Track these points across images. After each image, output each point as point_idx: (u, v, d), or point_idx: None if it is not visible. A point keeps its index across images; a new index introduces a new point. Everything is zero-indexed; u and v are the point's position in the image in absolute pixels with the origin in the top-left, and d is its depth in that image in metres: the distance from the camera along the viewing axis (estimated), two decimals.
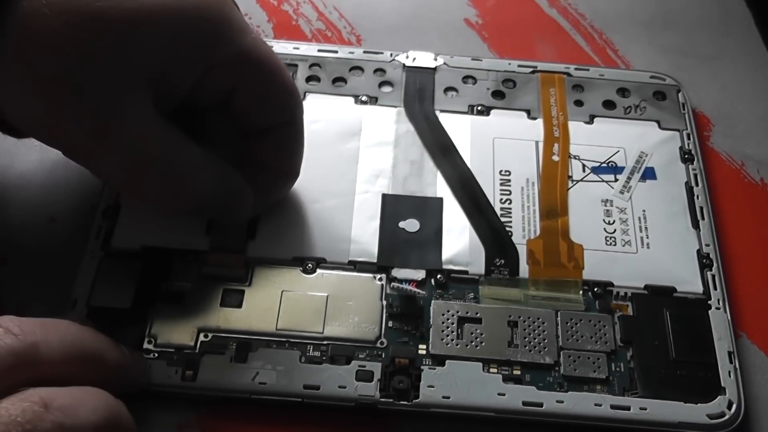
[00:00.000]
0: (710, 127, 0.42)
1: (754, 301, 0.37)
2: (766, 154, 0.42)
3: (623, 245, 0.37)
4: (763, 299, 0.37)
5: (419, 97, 0.41)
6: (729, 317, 0.35)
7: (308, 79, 0.42)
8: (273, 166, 0.35)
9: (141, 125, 0.30)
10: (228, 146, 0.34)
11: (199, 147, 0.32)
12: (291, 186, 0.36)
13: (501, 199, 0.38)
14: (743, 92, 0.44)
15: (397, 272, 0.35)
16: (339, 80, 0.42)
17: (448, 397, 0.32)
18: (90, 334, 0.29)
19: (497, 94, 0.42)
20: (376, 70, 0.42)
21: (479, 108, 0.41)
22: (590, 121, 0.41)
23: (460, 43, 0.45)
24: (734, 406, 0.32)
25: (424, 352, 0.33)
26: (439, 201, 0.38)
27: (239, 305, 0.34)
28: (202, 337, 0.33)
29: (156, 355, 0.33)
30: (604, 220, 0.37)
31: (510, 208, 0.38)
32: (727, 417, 0.32)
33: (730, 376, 0.33)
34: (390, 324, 0.34)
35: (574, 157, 0.39)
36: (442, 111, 0.41)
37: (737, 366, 0.33)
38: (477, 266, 0.36)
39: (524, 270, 0.36)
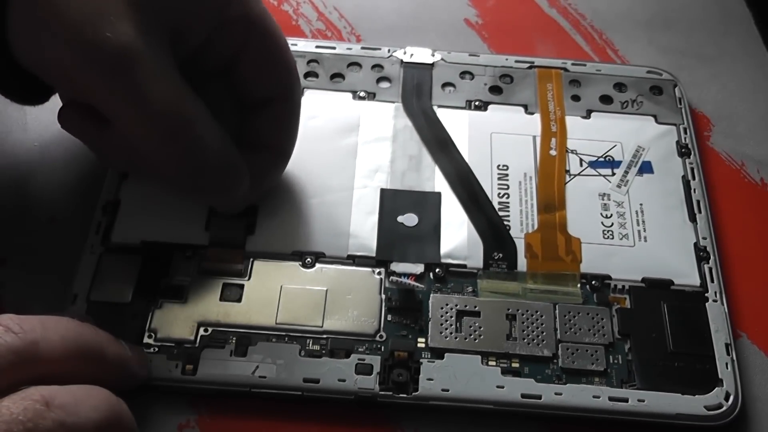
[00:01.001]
0: (710, 127, 0.43)
1: (754, 300, 0.37)
2: (766, 154, 0.42)
3: (621, 239, 0.37)
4: (764, 299, 0.37)
5: (417, 93, 0.41)
6: (726, 309, 0.35)
7: (306, 75, 0.42)
8: (267, 145, 0.35)
9: (159, 69, 0.30)
10: (227, 122, 0.34)
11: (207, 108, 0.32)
12: (283, 170, 0.36)
13: (499, 194, 0.38)
14: (743, 92, 0.44)
15: (396, 266, 0.35)
16: (337, 76, 0.42)
17: (447, 390, 0.32)
18: (90, 331, 0.29)
19: (495, 90, 0.42)
20: (374, 66, 0.42)
21: (477, 103, 0.41)
22: (587, 116, 0.41)
23: (460, 43, 0.45)
24: (731, 398, 0.33)
25: (423, 345, 0.34)
26: (438, 195, 0.38)
27: (239, 299, 0.34)
28: (202, 332, 0.33)
29: (156, 349, 0.33)
30: (601, 214, 0.37)
31: (508, 203, 0.38)
32: (724, 408, 0.32)
33: (727, 368, 0.33)
34: (389, 318, 0.34)
35: (572, 152, 0.39)
36: (439, 106, 0.41)
37: (734, 358, 0.34)
38: (475, 260, 0.36)
39: (522, 264, 0.36)
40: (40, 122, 0.40)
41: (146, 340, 0.33)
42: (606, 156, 0.39)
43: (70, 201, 0.38)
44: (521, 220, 0.37)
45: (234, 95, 0.35)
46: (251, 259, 0.35)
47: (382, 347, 0.33)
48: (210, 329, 0.34)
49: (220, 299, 0.34)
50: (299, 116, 0.36)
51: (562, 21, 0.47)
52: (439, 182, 0.38)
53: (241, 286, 0.35)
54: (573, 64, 0.43)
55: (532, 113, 0.41)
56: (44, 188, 0.38)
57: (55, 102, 0.34)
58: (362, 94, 0.41)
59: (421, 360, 0.33)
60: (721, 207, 0.39)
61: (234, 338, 0.33)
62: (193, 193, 0.36)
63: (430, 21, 0.47)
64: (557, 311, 0.35)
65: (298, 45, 0.43)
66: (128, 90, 0.29)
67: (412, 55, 0.43)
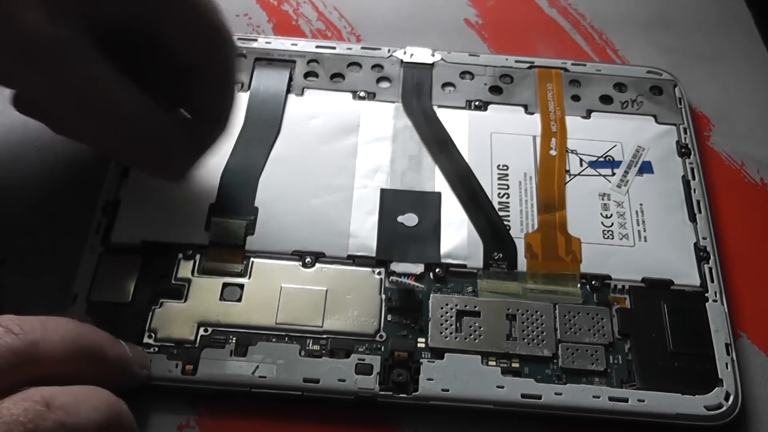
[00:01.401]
0: (710, 127, 0.43)
1: (754, 300, 0.37)
2: (766, 154, 0.42)
3: (621, 239, 0.37)
4: (764, 299, 0.37)
5: (417, 93, 0.41)
6: (726, 309, 0.35)
7: (306, 75, 0.42)
8: (203, 110, 0.35)
9: (75, 53, 0.30)
10: (163, 89, 0.34)
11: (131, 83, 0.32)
12: (220, 134, 0.36)
13: (499, 194, 0.38)
14: (743, 92, 0.44)
15: (396, 266, 0.35)
16: (337, 76, 0.42)
17: (447, 390, 0.32)
18: (90, 331, 0.29)
19: (495, 90, 0.42)
20: (374, 66, 0.42)
21: (477, 103, 0.41)
22: (587, 116, 0.41)
23: (460, 44, 0.45)
24: (731, 398, 0.33)
25: (423, 345, 0.34)
26: (438, 195, 0.38)
27: (239, 299, 0.34)
28: (201, 332, 0.33)
29: (156, 349, 0.33)
30: (601, 214, 0.37)
31: (508, 203, 0.38)
32: (724, 408, 0.32)
33: (727, 368, 0.33)
34: (389, 318, 0.34)
35: (572, 152, 0.39)
36: (439, 106, 0.41)
37: (734, 358, 0.34)
38: (475, 260, 0.36)
39: (522, 264, 0.36)
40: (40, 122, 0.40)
41: (146, 340, 0.33)
42: (606, 156, 0.39)
43: (70, 201, 0.38)
44: (521, 220, 0.37)
45: (165, 63, 0.34)
46: (251, 259, 0.35)
47: (382, 347, 0.33)
48: (210, 329, 0.34)
49: (220, 299, 0.34)
50: (232, 81, 0.35)
51: (562, 21, 0.47)
52: (439, 182, 0.38)
53: (241, 286, 0.35)
54: (573, 64, 0.43)
55: (532, 113, 0.41)
56: (44, 188, 0.38)
57: None
58: (362, 94, 0.41)
59: (421, 360, 0.33)
60: (721, 207, 0.39)
61: (234, 338, 0.33)
62: (135, 166, 0.36)
63: (430, 21, 0.47)
64: (557, 311, 0.35)
65: (298, 45, 0.43)
66: (49, 76, 0.30)
67: (412, 55, 0.43)
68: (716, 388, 0.33)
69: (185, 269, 0.35)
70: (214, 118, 0.35)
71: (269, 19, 0.46)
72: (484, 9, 0.47)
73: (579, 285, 0.35)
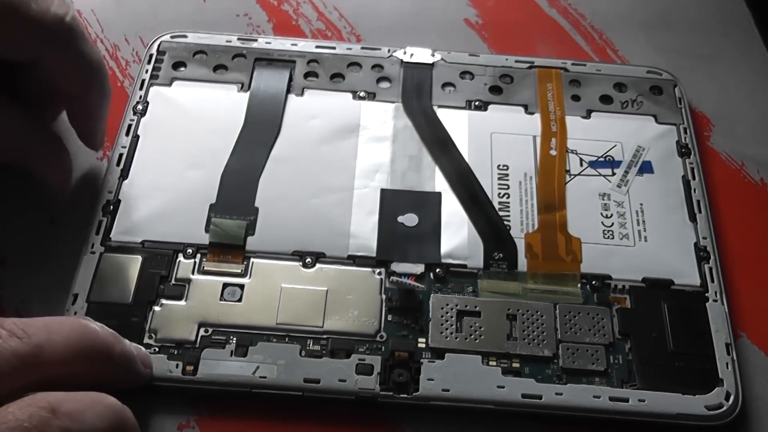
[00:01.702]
0: (710, 127, 0.43)
1: (755, 300, 0.37)
2: (766, 154, 0.42)
3: (621, 238, 0.37)
4: (764, 299, 0.37)
5: (417, 93, 0.41)
6: (726, 309, 0.35)
7: (306, 75, 0.42)
8: (78, 131, 0.37)
9: None
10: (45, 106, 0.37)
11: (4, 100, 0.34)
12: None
13: (499, 194, 0.38)
14: (743, 92, 0.44)
15: (396, 266, 0.35)
16: (337, 76, 0.42)
17: (448, 390, 0.32)
18: (95, 330, 0.29)
19: (495, 90, 0.42)
20: (374, 66, 0.42)
21: (477, 103, 0.41)
22: (587, 116, 0.41)
23: (460, 44, 0.45)
24: (732, 398, 0.33)
25: (423, 345, 0.34)
26: (438, 195, 0.38)
27: (239, 300, 0.34)
28: (202, 332, 0.33)
29: (157, 349, 0.33)
30: (601, 214, 0.37)
31: (508, 203, 0.38)
32: (725, 408, 0.32)
33: (727, 368, 0.33)
34: (389, 318, 0.34)
35: (572, 152, 0.39)
36: (439, 106, 0.41)
37: (735, 357, 0.34)
38: (476, 260, 0.36)
39: (522, 264, 0.36)
40: None
41: (147, 340, 0.33)
42: (606, 156, 0.39)
43: (70, 201, 0.37)
44: (521, 220, 0.37)
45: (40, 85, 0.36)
46: (251, 260, 0.35)
47: (383, 347, 0.33)
48: (210, 329, 0.33)
49: (221, 299, 0.34)
50: (105, 109, 0.37)
51: (562, 21, 0.47)
52: (439, 182, 0.38)
53: (242, 286, 0.35)
54: (573, 64, 0.43)
55: (532, 113, 0.41)
56: (44, 188, 0.38)
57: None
58: (362, 94, 0.41)
59: (421, 360, 0.33)
60: (721, 207, 0.39)
61: (234, 338, 0.33)
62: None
63: (430, 21, 0.47)
64: (557, 311, 0.35)
65: (298, 45, 0.43)
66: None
67: (412, 55, 0.43)
68: (717, 388, 0.33)
69: (185, 269, 0.35)
70: (88, 141, 0.37)
71: (269, 19, 0.46)
72: (484, 9, 0.47)
73: (579, 285, 0.35)
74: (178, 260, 0.35)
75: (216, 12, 0.46)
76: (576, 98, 0.42)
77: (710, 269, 0.36)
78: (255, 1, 0.47)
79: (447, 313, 0.34)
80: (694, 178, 0.39)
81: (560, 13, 0.47)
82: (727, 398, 0.33)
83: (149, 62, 0.42)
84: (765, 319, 0.36)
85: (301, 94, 0.41)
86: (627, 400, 0.32)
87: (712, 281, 0.36)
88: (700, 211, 0.38)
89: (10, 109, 0.34)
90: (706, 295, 0.35)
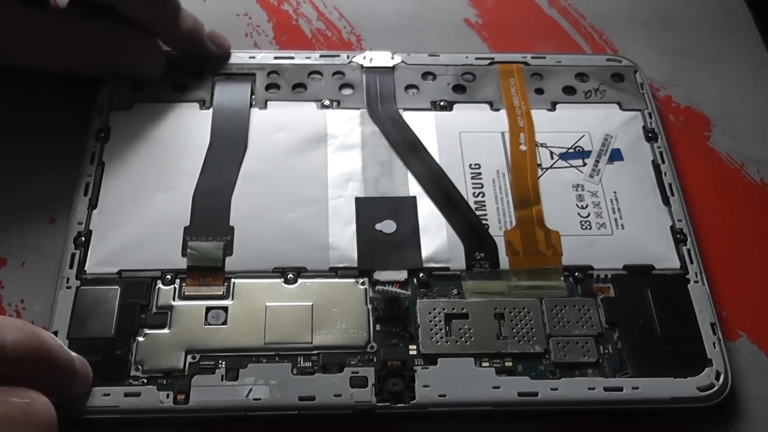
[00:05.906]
0: (710, 127, 0.43)
1: (755, 301, 0.37)
2: (766, 154, 0.42)
3: (598, 228, 0.37)
4: (764, 300, 0.37)
5: (381, 97, 0.41)
6: (708, 289, 0.35)
7: (268, 87, 0.41)
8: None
9: None
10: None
11: None
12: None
13: (474, 193, 0.38)
14: (743, 92, 0.44)
15: (379, 275, 0.35)
16: (299, 86, 0.42)
17: (444, 395, 0.32)
18: (43, 336, 0.28)
19: (458, 88, 0.42)
20: (334, 73, 0.42)
21: (442, 103, 0.41)
22: (553, 108, 0.41)
23: (460, 44, 0.45)
24: (722, 377, 0.33)
25: (414, 352, 0.33)
26: (413, 200, 0.38)
27: (224, 323, 0.34)
28: (189, 359, 0.33)
29: (145, 381, 0.32)
30: (577, 205, 0.38)
31: (484, 201, 0.38)
32: (716, 388, 0.33)
33: (715, 348, 0.34)
34: (378, 327, 0.34)
35: (541, 145, 0.40)
36: (405, 109, 0.41)
37: (721, 336, 0.34)
38: (458, 262, 0.36)
39: (504, 261, 0.36)
40: None
41: (133, 372, 0.32)
42: (575, 147, 0.40)
43: (69, 201, 0.37)
44: (499, 217, 0.37)
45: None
46: (232, 280, 0.35)
47: (375, 358, 0.33)
48: (198, 356, 0.33)
49: (205, 324, 0.34)
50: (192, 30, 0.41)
51: (562, 21, 0.47)
52: (413, 186, 0.38)
53: (225, 309, 0.34)
54: (533, 57, 0.43)
55: (497, 110, 0.41)
56: (44, 188, 0.37)
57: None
58: (326, 102, 0.41)
59: (414, 367, 0.33)
60: (720, 207, 0.40)
61: (223, 362, 0.33)
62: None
63: (430, 21, 0.46)
64: (544, 306, 0.35)
65: (257, 57, 0.42)
66: None
67: (371, 59, 0.43)
68: (706, 369, 0.33)
69: (166, 296, 0.34)
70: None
71: (269, 19, 0.46)
72: (484, 9, 0.47)
73: (562, 278, 0.35)
74: (157, 287, 0.34)
75: (216, 12, 0.45)
76: (539, 91, 0.42)
77: (688, 251, 0.36)
78: (255, 1, 0.46)
79: (435, 317, 0.34)
80: (663, 162, 0.39)
81: (560, 13, 0.47)
82: (717, 378, 0.33)
83: (106, 86, 0.41)
84: (765, 320, 0.36)
85: (265, 107, 0.40)
86: (621, 389, 0.33)
87: (691, 262, 0.36)
88: (672, 194, 0.38)
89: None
90: (687, 277, 0.36)
